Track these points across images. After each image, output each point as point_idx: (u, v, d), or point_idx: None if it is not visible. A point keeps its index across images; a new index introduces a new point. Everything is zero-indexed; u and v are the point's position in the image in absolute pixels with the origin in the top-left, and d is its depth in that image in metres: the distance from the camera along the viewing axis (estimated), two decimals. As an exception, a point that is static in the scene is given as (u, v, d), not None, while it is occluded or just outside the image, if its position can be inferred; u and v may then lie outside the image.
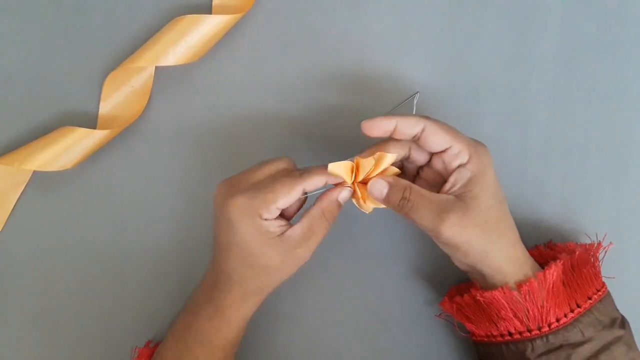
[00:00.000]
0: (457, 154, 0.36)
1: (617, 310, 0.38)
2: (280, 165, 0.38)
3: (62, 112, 0.45)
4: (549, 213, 0.45)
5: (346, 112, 0.46)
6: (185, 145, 0.45)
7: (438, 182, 0.39)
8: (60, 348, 0.44)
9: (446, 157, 0.37)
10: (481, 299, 0.37)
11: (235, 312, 0.38)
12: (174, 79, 0.45)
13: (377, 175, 0.38)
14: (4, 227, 0.44)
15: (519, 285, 0.36)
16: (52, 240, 0.45)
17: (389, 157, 0.37)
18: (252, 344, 0.44)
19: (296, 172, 0.37)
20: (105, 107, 0.45)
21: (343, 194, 0.38)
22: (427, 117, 0.37)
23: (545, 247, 0.43)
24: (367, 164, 0.37)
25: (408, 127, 0.36)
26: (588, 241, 0.44)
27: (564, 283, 0.37)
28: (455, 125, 0.45)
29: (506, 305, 0.36)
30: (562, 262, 0.37)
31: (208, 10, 0.45)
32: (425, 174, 0.39)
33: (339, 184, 0.38)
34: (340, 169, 0.37)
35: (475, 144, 0.37)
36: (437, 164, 0.38)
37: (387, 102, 0.45)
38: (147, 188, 0.45)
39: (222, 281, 0.38)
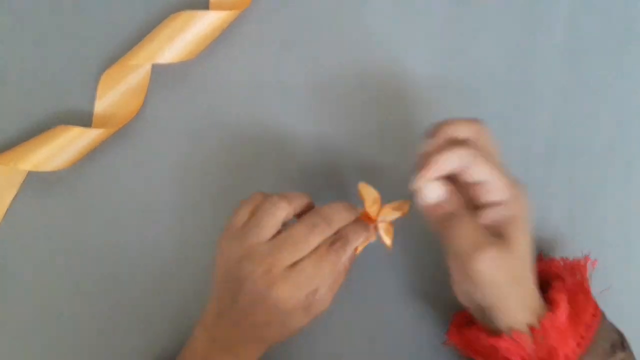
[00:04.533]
0: (496, 190, 0.35)
1: (614, 329, 0.37)
2: (314, 238, 0.35)
3: (57, 111, 0.45)
4: (553, 214, 0.45)
5: (346, 109, 0.45)
6: (183, 144, 0.45)
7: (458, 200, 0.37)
8: (59, 348, 0.44)
9: (480, 188, 0.35)
10: (487, 344, 0.36)
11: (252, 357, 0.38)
12: (171, 76, 0.45)
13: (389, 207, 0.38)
14: (-1, 227, 0.44)
15: (531, 328, 0.35)
16: (48, 240, 0.44)
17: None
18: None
19: (338, 243, 0.36)
20: (101, 106, 0.44)
21: (362, 241, 0.37)
22: (469, 145, 0.34)
23: (543, 256, 0.43)
24: (369, 202, 0.38)
25: (452, 162, 0.34)
26: (587, 245, 0.44)
27: (569, 315, 0.36)
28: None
29: (515, 352, 0.35)
30: (566, 295, 0.36)
31: (205, 6, 0.45)
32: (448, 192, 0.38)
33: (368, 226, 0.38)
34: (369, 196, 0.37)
35: (515, 184, 0.35)
36: (465, 188, 0.36)
37: (388, 101, 0.45)
38: (144, 187, 0.45)
39: (242, 333, 0.36)
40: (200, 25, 0.43)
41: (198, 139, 0.45)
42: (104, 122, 0.44)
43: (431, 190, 0.35)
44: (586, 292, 0.38)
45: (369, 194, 0.37)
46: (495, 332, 0.36)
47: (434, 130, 0.36)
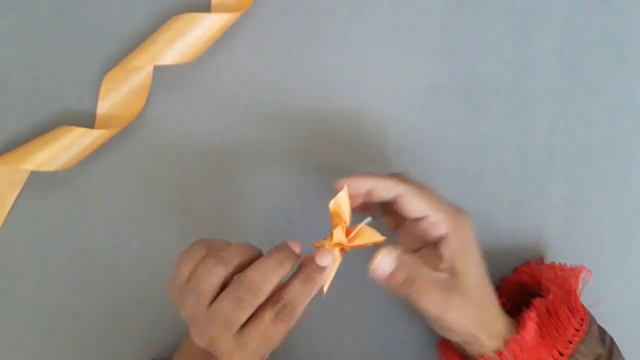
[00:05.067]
0: (434, 223, 0.35)
1: (601, 342, 0.37)
2: (253, 302, 0.32)
3: (60, 112, 0.45)
4: (550, 215, 0.45)
5: (346, 110, 0.45)
6: (184, 145, 0.45)
7: (412, 242, 0.37)
8: (58, 348, 0.44)
9: (423, 225, 0.35)
10: None
11: None
12: (173, 78, 0.45)
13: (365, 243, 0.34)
14: (1, 227, 0.44)
15: (499, 353, 0.35)
16: (50, 240, 0.44)
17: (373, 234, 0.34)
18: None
19: (284, 312, 0.32)
20: (103, 107, 0.44)
21: (326, 260, 0.34)
22: (404, 181, 0.35)
23: (536, 263, 0.43)
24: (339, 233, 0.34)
25: (384, 190, 0.35)
26: (585, 245, 0.44)
27: (541, 333, 0.36)
28: (456, 126, 0.45)
29: None
30: (535, 312, 0.36)
31: (207, 8, 0.45)
32: (401, 234, 0.38)
33: (319, 270, 0.34)
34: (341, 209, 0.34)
35: (456, 213, 0.35)
36: (413, 228, 0.36)
37: (387, 102, 0.45)
38: (146, 188, 0.45)
39: None
40: (202, 28, 0.43)
41: (199, 140, 0.45)
42: (106, 123, 0.44)
43: (383, 263, 0.35)
44: (573, 305, 0.37)
45: (339, 218, 0.34)
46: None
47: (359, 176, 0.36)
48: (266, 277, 0.32)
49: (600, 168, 0.46)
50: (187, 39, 0.43)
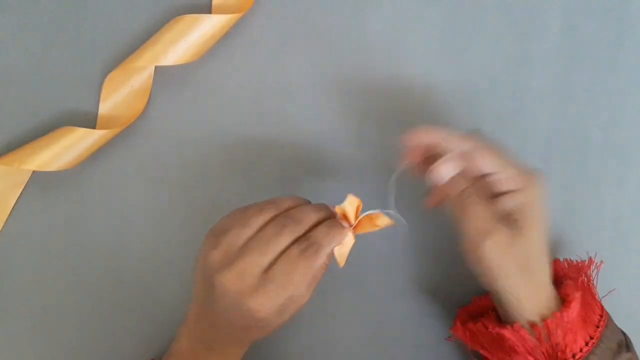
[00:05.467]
0: (505, 179, 0.35)
1: (619, 330, 0.38)
2: (283, 239, 0.34)
3: (62, 112, 0.45)
4: (550, 215, 0.45)
5: (346, 111, 0.46)
6: (185, 145, 0.45)
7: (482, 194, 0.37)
8: (59, 348, 0.44)
9: (491, 180, 0.35)
10: (493, 332, 0.36)
11: (237, 354, 0.38)
12: (174, 78, 0.45)
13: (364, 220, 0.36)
14: (3, 227, 0.44)
15: (533, 325, 0.35)
16: (52, 240, 0.45)
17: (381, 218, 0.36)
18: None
19: (310, 249, 0.34)
20: (105, 107, 0.45)
21: (347, 239, 0.36)
22: (473, 137, 0.35)
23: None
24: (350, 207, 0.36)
25: (454, 143, 0.35)
26: (583, 245, 0.44)
27: (583, 315, 0.36)
28: (454, 126, 0.45)
29: (518, 344, 0.35)
30: (580, 295, 0.36)
31: (208, 9, 0.45)
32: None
33: (344, 229, 0.36)
34: (350, 207, 0.36)
35: (527, 174, 0.36)
36: (479, 185, 0.36)
37: (387, 102, 0.45)
38: (147, 188, 0.45)
39: (219, 343, 0.36)
40: (203, 28, 0.43)
41: (201, 140, 0.45)
42: (108, 123, 0.44)
43: (444, 169, 0.36)
44: (592, 293, 0.38)
45: (352, 202, 0.36)
46: (504, 323, 0.36)
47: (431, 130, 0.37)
48: (307, 214, 0.35)
49: (600, 168, 0.46)
50: (188, 39, 0.43)
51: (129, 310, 0.45)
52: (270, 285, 0.33)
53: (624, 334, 0.38)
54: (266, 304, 0.33)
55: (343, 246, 0.35)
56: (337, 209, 0.36)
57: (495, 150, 0.36)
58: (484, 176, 0.36)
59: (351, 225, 0.36)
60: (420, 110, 0.46)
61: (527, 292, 0.35)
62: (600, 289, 0.43)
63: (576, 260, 0.41)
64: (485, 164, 0.35)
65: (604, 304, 0.38)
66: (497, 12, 0.46)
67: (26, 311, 0.44)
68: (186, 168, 0.45)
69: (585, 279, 0.39)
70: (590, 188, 0.46)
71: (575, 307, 0.35)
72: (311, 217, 0.35)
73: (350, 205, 0.36)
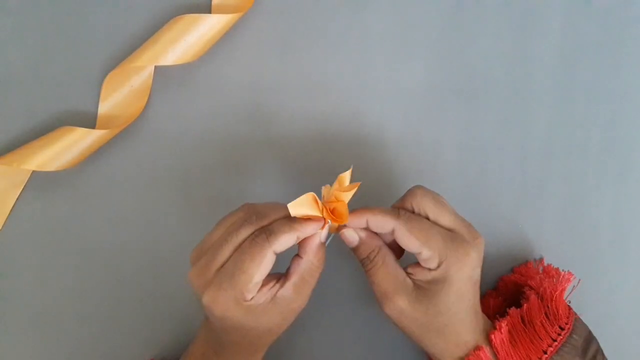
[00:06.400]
0: (425, 260, 0.35)
1: (582, 353, 0.37)
2: (242, 231, 0.34)
3: (61, 112, 0.45)
4: (550, 215, 0.45)
5: (346, 110, 0.46)
6: (185, 145, 0.45)
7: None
8: (59, 348, 0.44)
9: (418, 257, 0.35)
10: None
11: None
12: (174, 78, 0.45)
13: (343, 198, 0.35)
14: (2, 227, 0.44)
15: None
16: (51, 240, 0.45)
17: (346, 175, 0.35)
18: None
19: (261, 235, 0.33)
20: (105, 107, 0.45)
21: (323, 234, 0.35)
22: (399, 216, 0.35)
23: (535, 263, 0.43)
24: (326, 193, 0.35)
25: (378, 227, 0.35)
26: (583, 245, 0.44)
27: (514, 344, 0.36)
28: (456, 126, 0.45)
29: None
30: (506, 323, 0.36)
31: (207, 9, 0.45)
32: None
33: (309, 220, 0.35)
34: (302, 207, 0.33)
35: (454, 248, 0.34)
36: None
37: (387, 102, 0.45)
38: (147, 188, 0.45)
39: (228, 348, 0.36)
40: (203, 28, 0.43)
41: (200, 140, 0.45)
42: (107, 123, 0.44)
43: (349, 236, 0.36)
44: (552, 313, 0.37)
45: (303, 206, 0.34)
46: None
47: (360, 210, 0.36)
48: (276, 210, 0.35)
49: (599, 168, 0.46)
50: (188, 39, 0.43)
51: (129, 310, 0.45)
52: (220, 276, 0.33)
53: (597, 350, 0.37)
54: (219, 298, 0.33)
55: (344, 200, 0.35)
56: (324, 189, 0.36)
57: (416, 227, 0.35)
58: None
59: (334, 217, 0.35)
60: (420, 110, 0.46)
61: (441, 348, 0.35)
62: (599, 290, 0.43)
63: (563, 271, 0.41)
64: (406, 244, 0.35)
65: (596, 304, 0.38)
66: (497, 12, 0.46)
67: (26, 311, 0.44)
68: (186, 168, 0.45)
69: (555, 292, 0.38)
70: (591, 188, 0.46)
71: (499, 338, 0.36)
72: (278, 213, 0.35)
73: (337, 183, 0.35)
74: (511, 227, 0.45)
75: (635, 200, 0.46)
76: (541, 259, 0.45)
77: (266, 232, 0.33)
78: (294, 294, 0.35)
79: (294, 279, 0.35)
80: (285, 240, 0.33)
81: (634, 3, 0.46)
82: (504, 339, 0.36)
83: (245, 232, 0.34)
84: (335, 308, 0.45)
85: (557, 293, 0.38)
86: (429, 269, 0.35)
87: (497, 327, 0.36)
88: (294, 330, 0.45)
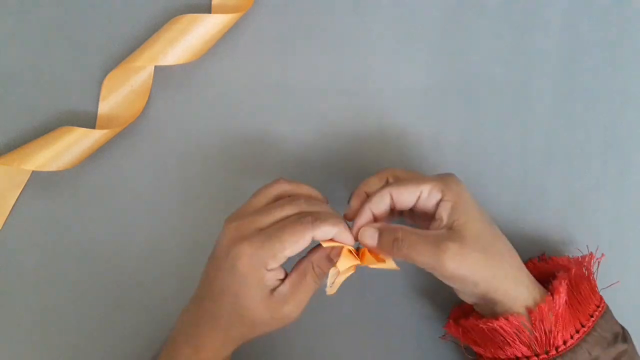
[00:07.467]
0: (428, 195, 0.36)
1: (618, 323, 0.38)
2: (287, 208, 0.36)
3: (61, 112, 0.45)
4: (550, 215, 0.45)
5: (346, 110, 0.46)
6: (185, 145, 0.45)
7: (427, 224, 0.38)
8: (59, 348, 0.44)
9: (422, 202, 0.37)
10: (484, 327, 0.36)
11: (213, 356, 0.37)
12: (174, 78, 0.45)
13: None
14: (2, 227, 0.44)
15: (529, 310, 0.35)
16: (51, 240, 0.45)
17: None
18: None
19: (308, 218, 0.35)
20: (105, 107, 0.45)
21: (335, 251, 0.36)
22: (388, 184, 0.37)
23: (539, 259, 0.43)
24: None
25: (379, 207, 0.37)
26: (584, 245, 0.44)
27: (570, 302, 0.36)
28: (456, 126, 0.45)
29: (512, 333, 0.35)
30: (567, 282, 0.37)
31: (207, 9, 0.45)
32: (414, 218, 0.39)
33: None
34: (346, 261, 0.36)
35: (442, 178, 0.37)
36: (419, 208, 0.38)
37: (387, 102, 0.45)
38: (147, 188, 0.45)
39: (206, 322, 0.37)
40: (203, 28, 0.43)
41: (200, 140, 0.45)
42: (107, 123, 0.44)
43: (365, 235, 0.37)
44: (590, 283, 0.38)
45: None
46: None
47: (354, 197, 0.38)
48: (322, 207, 0.37)
49: (600, 168, 0.46)
50: (188, 39, 0.43)
51: (129, 310, 0.45)
52: (258, 236, 0.34)
53: (623, 328, 0.38)
54: (247, 251, 0.34)
55: (341, 274, 0.36)
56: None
57: (405, 177, 0.37)
58: (411, 210, 0.38)
59: (358, 256, 0.37)
60: (420, 110, 0.46)
61: (507, 280, 0.35)
62: (600, 286, 0.43)
63: (579, 256, 0.41)
64: (405, 195, 0.36)
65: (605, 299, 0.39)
66: (497, 11, 0.46)
67: (26, 311, 0.44)
68: (186, 168, 0.45)
69: (586, 271, 0.39)
70: (591, 188, 0.46)
71: (563, 294, 0.36)
72: (324, 209, 0.37)
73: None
74: (511, 227, 0.45)
75: (635, 200, 0.46)
76: (542, 255, 0.45)
77: (314, 216, 0.35)
78: (289, 293, 0.36)
79: (293, 277, 0.36)
80: (327, 230, 0.35)
81: (634, 2, 0.46)
82: (565, 295, 0.36)
83: (290, 211, 0.36)
84: (336, 308, 0.45)
85: (589, 268, 0.39)
86: (441, 202, 0.36)
87: (558, 282, 0.37)
88: (294, 330, 0.45)
